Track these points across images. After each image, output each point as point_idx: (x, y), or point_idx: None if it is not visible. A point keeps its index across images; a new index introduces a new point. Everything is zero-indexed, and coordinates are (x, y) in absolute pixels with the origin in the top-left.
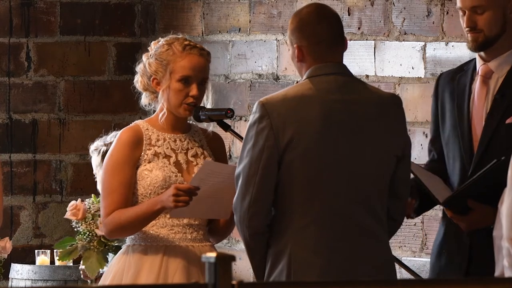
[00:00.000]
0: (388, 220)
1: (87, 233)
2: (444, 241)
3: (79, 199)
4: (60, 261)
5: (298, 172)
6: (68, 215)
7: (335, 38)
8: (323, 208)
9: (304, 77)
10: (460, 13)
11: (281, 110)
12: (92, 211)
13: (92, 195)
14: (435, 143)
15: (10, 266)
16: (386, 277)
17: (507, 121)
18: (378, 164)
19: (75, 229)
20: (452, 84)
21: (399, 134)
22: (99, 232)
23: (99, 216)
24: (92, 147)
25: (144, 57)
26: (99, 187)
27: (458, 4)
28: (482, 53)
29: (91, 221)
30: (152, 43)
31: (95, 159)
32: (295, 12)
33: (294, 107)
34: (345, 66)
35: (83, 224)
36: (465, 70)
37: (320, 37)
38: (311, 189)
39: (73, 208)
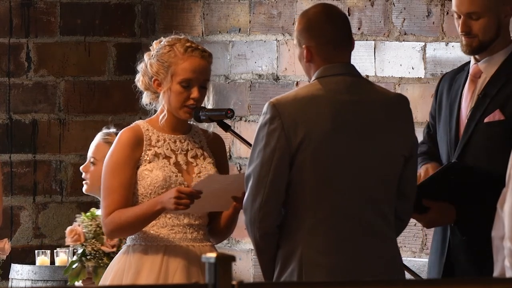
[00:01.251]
0: (395, 220)
1: (94, 253)
2: (434, 239)
3: (75, 223)
4: (71, 283)
5: (308, 172)
6: (69, 242)
7: (343, 38)
8: (332, 209)
9: (313, 78)
10: (455, 15)
11: (292, 110)
12: (93, 230)
13: (82, 213)
14: (429, 139)
15: (10, 266)
16: (393, 277)
17: (485, 119)
18: (386, 164)
19: (75, 251)
20: (450, 83)
21: (407, 134)
22: (107, 249)
23: (102, 233)
24: (105, 134)
25: (146, 57)
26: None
27: (454, 8)
28: None
29: (94, 241)
30: (154, 42)
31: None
32: (302, 13)
33: (305, 108)
34: (353, 66)
35: (87, 247)
36: (464, 70)
37: (329, 37)
38: (321, 189)
39: (73, 234)
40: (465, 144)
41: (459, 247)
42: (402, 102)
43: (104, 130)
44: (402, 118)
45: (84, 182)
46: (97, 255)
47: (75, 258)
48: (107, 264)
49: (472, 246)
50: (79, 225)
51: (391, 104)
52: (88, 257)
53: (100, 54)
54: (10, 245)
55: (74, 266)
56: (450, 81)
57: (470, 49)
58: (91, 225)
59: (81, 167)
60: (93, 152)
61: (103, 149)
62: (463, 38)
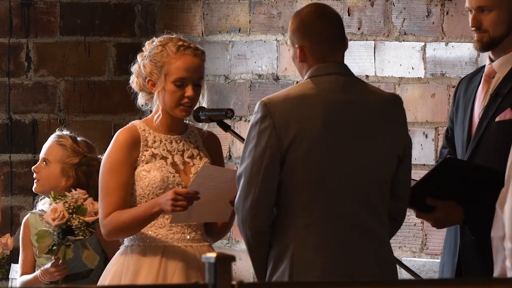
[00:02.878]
0: (389, 220)
1: (80, 226)
2: (447, 238)
3: (53, 204)
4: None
5: (300, 172)
6: (55, 223)
7: (336, 37)
8: (325, 208)
9: (306, 77)
10: (469, 13)
11: (283, 109)
12: (72, 205)
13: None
14: (448, 142)
15: (10, 266)
16: (387, 277)
17: (497, 118)
18: (380, 164)
19: (51, 231)
20: (467, 85)
21: (400, 134)
22: (92, 218)
23: (82, 204)
24: (58, 136)
25: (139, 58)
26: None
27: (466, 4)
28: (490, 53)
29: (77, 216)
30: (146, 43)
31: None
32: (296, 12)
33: (296, 107)
34: (346, 66)
35: (73, 222)
36: (480, 72)
37: (322, 37)
38: (314, 189)
39: (57, 214)
40: (476, 144)
41: (470, 246)
42: (395, 102)
43: (58, 132)
44: (396, 117)
45: (35, 181)
46: (82, 228)
47: (51, 241)
48: (92, 233)
49: (482, 245)
50: (55, 203)
51: (384, 104)
52: (76, 232)
53: (100, 54)
54: (13, 240)
55: (56, 250)
56: (467, 83)
57: (481, 45)
58: (67, 201)
59: (33, 167)
60: (45, 153)
61: (56, 150)
62: (475, 34)
